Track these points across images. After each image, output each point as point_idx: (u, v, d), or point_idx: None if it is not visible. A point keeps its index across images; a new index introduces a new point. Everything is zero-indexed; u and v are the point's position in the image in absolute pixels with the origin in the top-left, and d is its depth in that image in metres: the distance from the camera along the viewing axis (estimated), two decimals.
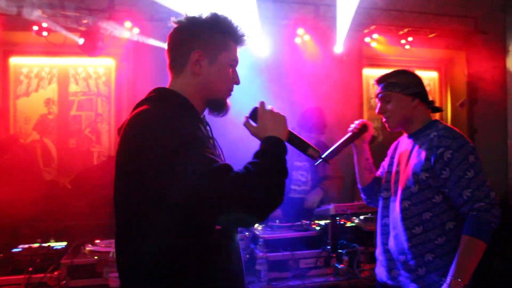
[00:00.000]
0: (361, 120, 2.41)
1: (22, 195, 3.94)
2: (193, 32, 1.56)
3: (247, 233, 3.06)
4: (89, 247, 3.02)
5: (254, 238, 3.08)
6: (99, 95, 5.21)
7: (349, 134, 2.33)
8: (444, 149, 2.03)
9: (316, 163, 1.93)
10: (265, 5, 4.58)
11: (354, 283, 2.96)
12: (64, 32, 4.44)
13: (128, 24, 4.57)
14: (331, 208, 3.14)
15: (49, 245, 3.09)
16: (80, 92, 5.16)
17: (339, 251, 3.08)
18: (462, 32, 5.81)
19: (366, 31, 5.45)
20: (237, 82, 1.62)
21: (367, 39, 5.50)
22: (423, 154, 2.09)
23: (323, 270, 3.03)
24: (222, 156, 1.61)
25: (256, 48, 4.79)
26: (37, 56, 4.97)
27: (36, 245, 3.09)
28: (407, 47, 5.59)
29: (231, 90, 1.62)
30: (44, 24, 4.35)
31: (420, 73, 2.30)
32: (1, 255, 2.91)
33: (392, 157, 2.37)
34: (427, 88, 2.32)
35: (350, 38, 5.21)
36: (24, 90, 5.00)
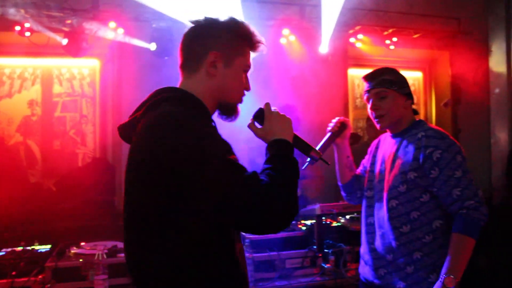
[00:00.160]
0: (338, 118, 2.35)
1: (5, 198, 3.90)
2: (212, 33, 1.53)
3: None
4: (74, 250, 3.00)
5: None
6: (84, 96, 5.16)
7: (329, 134, 2.29)
8: (433, 149, 2.05)
9: (312, 163, 1.93)
10: (249, 6, 4.57)
11: (340, 283, 2.98)
12: (47, 33, 4.39)
13: (112, 24, 4.53)
14: (317, 208, 3.15)
15: (33, 248, 3.06)
16: (64, 93, 5.11)
17: (325, 250, 3.09)
18: (446, 33, 5.87)
19: (351, 31, 5.48)
20: (248, 88, 1.60)
21: (352, 40, 5.54)
22: (411, 154, 2.11)
23: (310, 270, 3.04)
24: None
25: None
26: (20, 57, 4.90)
27: (20, 248, 3.05)
28: (392, 47, 5.64)
29: (243, 95, 1.59)
30: (27, 24, 4.30)
31: (404, 73, 2.30)
32: None
33: (374, 156, 2.37)
34: (412, 88, 2.33)
35: (335, 38, 5.24)
36: (6, 91, 4.94)
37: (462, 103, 6.13)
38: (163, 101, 1.43)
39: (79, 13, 4.43)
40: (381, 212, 2.19)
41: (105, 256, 2.86)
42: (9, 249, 3.00)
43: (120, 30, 4.59)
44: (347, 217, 3.49)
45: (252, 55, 1.60)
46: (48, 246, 3.13)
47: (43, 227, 4.03)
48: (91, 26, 4.40)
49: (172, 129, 1.31)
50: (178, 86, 1.54)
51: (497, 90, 6.19)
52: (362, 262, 2.34)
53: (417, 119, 2.27)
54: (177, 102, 1.43)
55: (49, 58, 4.99)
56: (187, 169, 1.27)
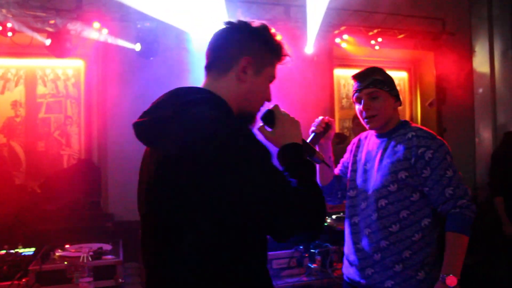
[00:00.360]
0: (321, 117, 2.31)
1: None
2: (247, 37, 1.49)
3: None
4: (58, 252, 2.97)
5: None
6: (69, 97, 5.11)
7: (313, 134, 2.25)
8: (425, 149, 2.08)
9: None
10: (234, 6, 4.57)
11: (327, 283, 2.99)
12: (30, 33, 4.33)
13: (96, 25, 4.49)
14: None
15: (16, 251, 3.02)
16: (48, 94, 5.05)
17: (312, 251, 3.10)
18: (430, 33, 5.93)
19: (336, 31, 5.50)
20: (270, 99, 1.57)
21: (337, 40, 5.56)
22: (401, 154, 2.12)
23: (296, 270, 3.04)
24: None
25: None
26: (2, 57, 4.83)
27: (3, 251, 3.01)
28: (377, 47, 5.66)
29: (263, 106, 1.56)
30: (9, 24, 4.24)
31: (390, 73, 2.30)
32: None
33: (356, 155, 2.36)
34: (398, 88, 2.34)
35: (320, 38, 5.26)
36: None
37: (446, 103, 6.19)
38: (196, 103, 1.36)
39: (63, 13, 4.38)
40: (367, 212, 2.19)
41: (90, 258, 2.83)
42: None
43: (105, 31, 4.55)
44: (333, 217, 3.50)
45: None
46: (32, 249, 3.09)
47: (27, 229, 3.98)
48: (75, 27, 4.35)
49: (213, 134, 1.26)
50: (202, 86, 1.48)
51: (480, 90, 6.27)
52: (346, 262, 2.33)
53: (402, 120, 2.28)
54: (213, 105, 1.38)
55: (33, 58, 4.92)
56: (234, 171, 1.23)
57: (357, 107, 2.26)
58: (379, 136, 2.27)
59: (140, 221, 1.46)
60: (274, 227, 1.28)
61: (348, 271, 2.30)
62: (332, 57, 5.82)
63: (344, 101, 6.18)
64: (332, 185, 2.42)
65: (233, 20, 1.52)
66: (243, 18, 1.56)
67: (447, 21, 6.08)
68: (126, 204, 4.73)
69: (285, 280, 2.95)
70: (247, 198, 1.23)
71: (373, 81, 2.20)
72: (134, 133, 1.45)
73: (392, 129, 2.23)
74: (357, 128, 4.49)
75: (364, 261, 2.20)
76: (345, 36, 5.53)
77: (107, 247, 3.15)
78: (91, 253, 2.89)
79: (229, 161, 1.23)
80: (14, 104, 4.92)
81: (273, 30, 1.54)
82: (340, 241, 3.08)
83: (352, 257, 2.27)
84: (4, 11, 4.10)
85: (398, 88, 2.30)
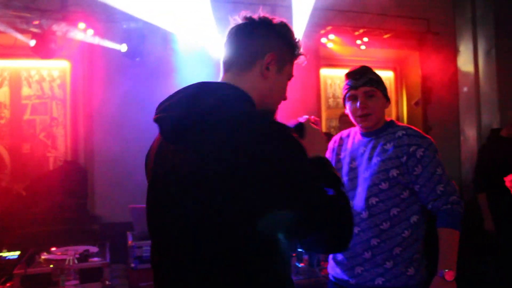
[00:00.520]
0: (306, 116, 2.34)
1: None
2: (271, 33, 1.46)
3: None
4: (44, 256, 2.94)
5: None
6: (54, 98, 5.07)
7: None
8: (416, 147, 2.11)
9: None
10: (221, 6, 4.57)
11: (314, 282, 3.00)
12: (14, 34, 4.29)
13: (82, 25, 4.46)
14: None
15: (0, 256, 2.99)
16: (33, 96, 5.00)
17: (299, 250, 3.10)
18: (416, 33, 5.98)
19: (322, 31, 5.53)
20: (286, 98, 1.54)
21: (323, 40, 5.58)
22: (391, 152, 2.13)
23: None
24: None
25: (212, 49, 4.77)
26: None
27: None
28: (363, 47, 5.70)
29: (279, 104, 1.53)
30: None
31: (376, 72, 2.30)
32: None
33: (338, 154, 2.36)
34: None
35: (306, 38, 5.27)
36: None
37: (432, 102, 6.25)
38: (235, 100, 1.31)
39: (48, 14, 4.34)
40: (356, 210, 2.18)
41: (76, 261, 2.81)
42: None
43: (90, 31, 4.53)
44: None
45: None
46: (17, 253, 3.06)
47: (13, 233, 3.94)
48: (60, 27, 4.32)
49: (257, 132, 1.22)
50: (221, 81, 1.43)
51: (465, 89, 6.34)
52: (332, 262, 2.32)
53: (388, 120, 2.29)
54: (247, 102, 1.34)
55: (17, 59, 4.88)
56: (282, 170, 1.19)
57: (350, 105, 2.24)
58: (365, 134, 2.27)
59: (151, 221, 1.38)
60: (308, 233, 1.25)
61: (335, 270, 2.28)
62: (319, 57, 5.84)
63: (330, 100, 6.21)
64: None
65: (253, 15, 1.50)
66: (230, 18, 1.55)
67: (432, 22, 6.14)
68: (113, 206, 4.74)
69: None
70: (297, 203, 1.19)
71: (369, 79, 2.20)
72: (160, 128, 1.35)
73: (380, 128, 2.23)
74: (344, 126, 4.51)
75: (353, 259, 2.18)
76: (331, 36, 5.56)
77: (93, 249, 3.13)
78: (77, 256, 2.88)
79: (285, 159, 1.21)
80: None
81: (292, 28, 1.52)
82: None
83: (340, 257, 2.25)
84: None
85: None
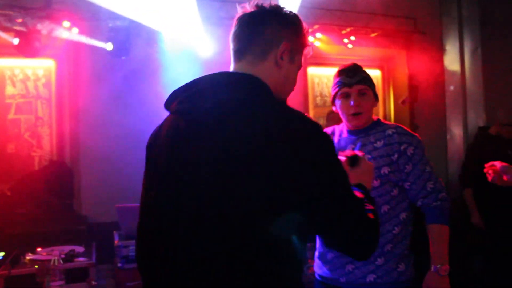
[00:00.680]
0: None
1: None
2: (285, 22, 1.43)
3: None
4: (29, 256, 2.91)
5: None
6: (39, 97, 5.00)
7: None
8: (407, 145, 2.13)
9: None
10: (206, 5, 4.54)
11: None
12: None
13: (66, 24, 4.42)
14: None
15: None
16: (18, 95, 4.93)
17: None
18: (403, 32, 6.02)
19: (309, 30, 5.53)
20: (293, 89, 1.51)
21: (310, 38, 5.59)
22: (382, 150, 2.15)
23: None
24: None
25: (199, 48, 4.75)
26: None
27: None
28: (350, 46, 5.71)
29: (289, 95, 1.50)
30: None
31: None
32: None
33: None
34: None
35: None
36: None
37: (419, 100, 6.28)
38: (257, 95, 1.28)
39: (32, 12, 4.29)
40: None
41: (61, 261, 2.78)
42: None
43: (75, 30, 4.48)
44: None
45: None
46: (2, 254, 3.02)
47: None
48: (44, 26, 4.27)
49: (299, 132, 1.23)
50: (236, 71, 1.39)
51: (452, 88, 6.39)
52: (318, 261, 2.29)
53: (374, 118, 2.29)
54: (270, 94, 1.31)
55: (0, 58, 4.81)
56: (314, 167, 1.19)
57: (341, 102, 2.21)
58: (352, 132, 2.25)
59: (151, 217, 1.33)
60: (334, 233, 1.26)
61: (322, 269, 2.25)
62: (306, 56, 5.84)
63: (318, 99, 6.22)
64: None
65: (263, 2, 1.44)
66: (216, 17, 1.52)
67: (419, 21, 6.18)
68: (99, 206, 4.71)
69: None
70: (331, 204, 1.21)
71: (363, 78, 2.20)
72: (184, 120, 1.30)
73: (368, 126, 2.23)
74: (331, 124, 4.52)
75: (343, 258, 2.15)
76: (318, 35, 5.57)
77: (79, 249, 3.11)
78: (62, 256, 2.85)
79: (321, 158, 1.22)
80: None
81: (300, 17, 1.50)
82: (315, 238, 3.09)
83: (330, 256, 2.21)
84: None
85: None
